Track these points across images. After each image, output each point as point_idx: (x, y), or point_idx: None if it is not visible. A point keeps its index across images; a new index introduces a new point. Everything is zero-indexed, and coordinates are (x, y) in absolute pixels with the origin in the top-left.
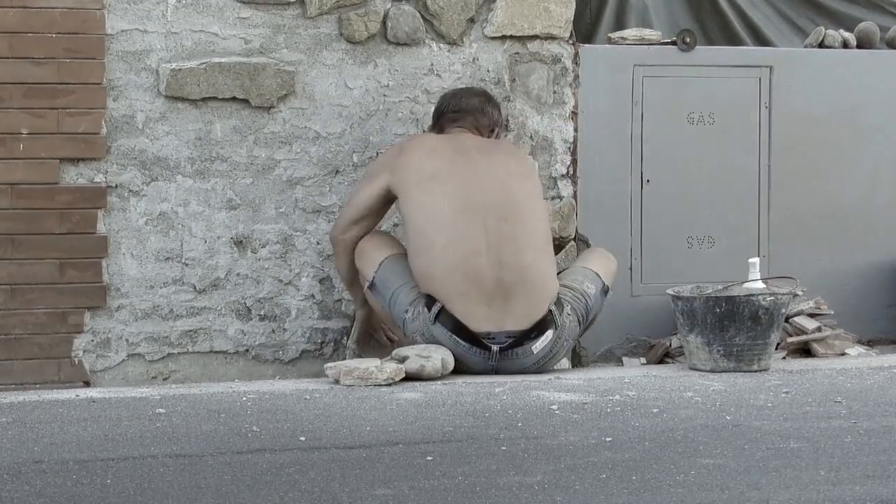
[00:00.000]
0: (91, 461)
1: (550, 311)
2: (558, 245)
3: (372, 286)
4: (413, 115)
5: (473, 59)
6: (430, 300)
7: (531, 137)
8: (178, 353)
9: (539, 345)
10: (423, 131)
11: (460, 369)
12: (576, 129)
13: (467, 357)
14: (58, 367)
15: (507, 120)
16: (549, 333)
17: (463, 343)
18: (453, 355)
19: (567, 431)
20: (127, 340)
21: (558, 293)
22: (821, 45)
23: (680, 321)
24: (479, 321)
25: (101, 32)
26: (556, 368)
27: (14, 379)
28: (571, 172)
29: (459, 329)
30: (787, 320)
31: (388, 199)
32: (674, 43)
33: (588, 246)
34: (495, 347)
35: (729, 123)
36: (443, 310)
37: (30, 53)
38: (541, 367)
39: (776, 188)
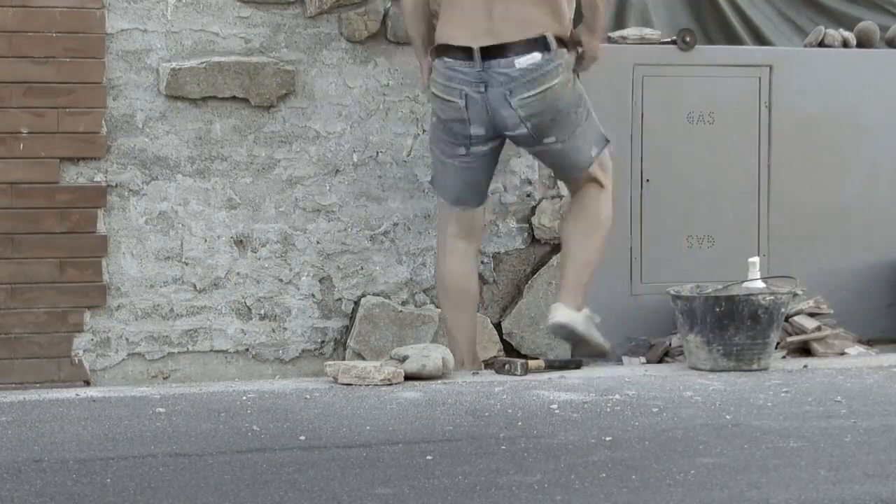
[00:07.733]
0: (91, 460)
1: (544, 36)
2: (556, 244)
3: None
4: (413, 115)
5: None
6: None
7: None
8: (178, 352)
9: (523, 60)
10: (424, 130)
11: None
12: None
13: (458, 77)
14: (58, 367)
15: None
16: (537, 55)
17: (449, 60)
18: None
19: (567, 430)
20: (127, 340)
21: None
22: (821, 45)
23: (680, 321)
24: (464, 39)
25: (101, 31)
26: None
27: (14, 378)
28: None
29: (446, 50)
30: (786, 320)
31: None
32: (674, 42)
33: None
34: (476, 47)
35: (729, 123)
36: (438, 47)
37: (30, 52)
38: (532, 85)
39: (776, 188)
